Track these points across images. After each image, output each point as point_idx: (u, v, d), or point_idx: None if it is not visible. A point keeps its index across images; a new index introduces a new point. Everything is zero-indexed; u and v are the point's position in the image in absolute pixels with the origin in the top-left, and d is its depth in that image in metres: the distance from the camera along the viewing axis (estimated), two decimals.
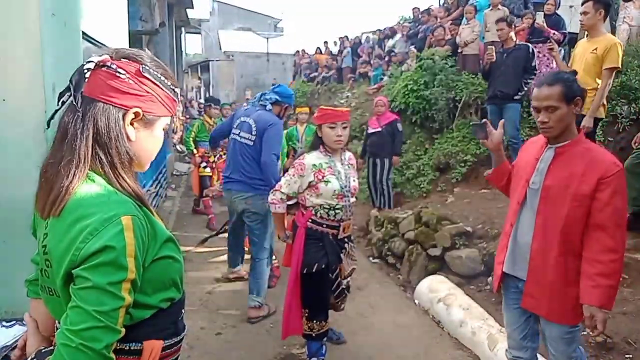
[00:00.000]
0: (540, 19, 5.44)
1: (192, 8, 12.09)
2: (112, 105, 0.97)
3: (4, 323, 1.77)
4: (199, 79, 25.16)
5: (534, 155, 1.92)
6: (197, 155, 6.23)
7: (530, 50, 4.77)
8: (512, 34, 4.92)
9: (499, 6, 6.52)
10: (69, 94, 0.98)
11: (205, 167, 6.22)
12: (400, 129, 5.78)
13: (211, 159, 6.28)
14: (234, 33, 27.72)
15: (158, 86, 1.02)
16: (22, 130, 2.03)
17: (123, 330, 0.92)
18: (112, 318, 0.89)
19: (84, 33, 2.56)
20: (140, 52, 1.04)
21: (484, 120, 2.11)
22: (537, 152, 1.91)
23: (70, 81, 0.98)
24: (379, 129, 5.66)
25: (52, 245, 0.94)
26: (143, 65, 1.00)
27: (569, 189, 1.74)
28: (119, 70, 0.97)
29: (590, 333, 1.81)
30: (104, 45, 3.37)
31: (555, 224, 1.79)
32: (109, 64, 0.97)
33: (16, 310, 2.04)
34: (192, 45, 32.18)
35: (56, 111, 1.02)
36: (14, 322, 1.78)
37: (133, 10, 6.80)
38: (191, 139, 6.22)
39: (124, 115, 0.99)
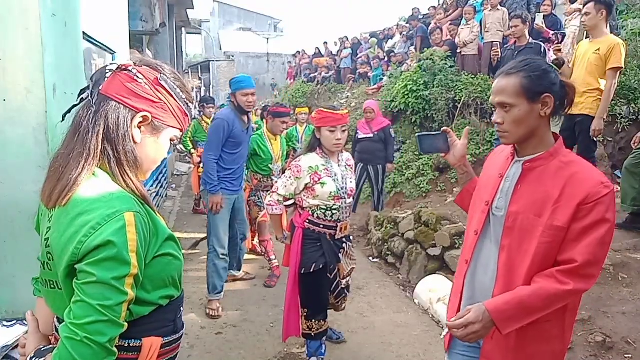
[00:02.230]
0: (539, 19, 5.44)
1: (193, 9, 12.12)
2: (124, 106, 1.01)
3: (4, 323, 1.78)
4: (200, 79, 25.20)
5: (498, 170, 1.47)
6: (195, 155, 6.24)
7: (542, 49, 4.67)
8: (527, 31, 4.81)
9: (498, 6, 6.53)
10: (88, 92, 1.03)
11: None
12: (393, 134, 5.64)
13: None
14: (234, 33, 27.78)
15: (172, 97, 1.07)
16: (22, 130, 2.04)
17: (126, 324, 0.94)
18: (116, 312, 0.91)
19: (84, 33, 2.57)
20: (162, 64, 1.09)
21: (443, 128, 1.70)
22: (502, 166, 1.46)
23: (91, 79, 1.03)
24: (370, 135, 5.43)
25: (55, 238, 0.96)
26: (162, 75, 1.05)
27: (541, 218, 1.29)
28: (138, 75, 1.03)
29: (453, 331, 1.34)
30: (105, 45, 3.38)
31: (522, 264, 1.33)
32: (130, 68, 1.02)
33: (17, 310, 2.06)
34: (193, 46, 32.29)
35: (74, 106, 1.07)
36: (15, 321, 1.79)
37: (133, 10, 6.83)
38: (188, 139, 6.23)
39: (132, 117, 1.02)
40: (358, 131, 5.64)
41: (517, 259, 1.34)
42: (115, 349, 0.93)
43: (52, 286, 1.03)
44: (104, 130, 1.00)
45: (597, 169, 1.37)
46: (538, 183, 1.34)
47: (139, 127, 1.04)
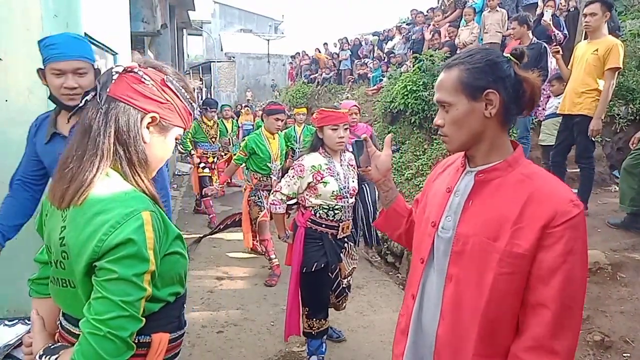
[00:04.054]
0: (547, 16, 5.35)
1: (194, 10, 12.13)
2: (133, 107, 1.03)
3: (6, 322, 1.78)
4: (201, 80, 25.21)
5: (446, 183, 1.22)
6: (195, 155, 6.27)
7: (542, 48, 4.60)
8: (530, 32, 4.71)
9: (497, 8, 6.55)
10: (93, 93, 1.04)
11: (204, 168, 6.27)
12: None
13: (210, 160, 6.34)
14: (235, 35, 27.81)
15: (178, 97, 1.09)
16: (24, 130, 2.03)
17: (144, 319, 0.97)
18: (136, 308, 0.94)
19: (86, 34, 2.58)
20: (165, 66, 1.11)
21: (363, 135, 1.37)
22: (452, 179, 1.21)
23: (98, 81, 1.04)
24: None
25: (71, 237, 0.97)
26: (167, 76, 1.07)
27: (497, 243, 1.04)
28: (145, 76, 1.04)
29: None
30: (106, 46, 3.40)
31: (476, 301, 1.06)
32: (136, 70, 1.04)
33: (19, 309, 2.07)
34: (194, 47, 32.33)
35: (79, 108, 1.08)
36: (17, 320, 1.80)
37: (135, 12, 6.85)
38: (188, 139, 6.26)
39: (142, 117, 1.04)
40: None
41: (469, 293, 1.07)
42: (133, 343, 0.96)
43: (65, 285, 1.04)
44: (115, 132, 1.01)
45: (563, 184, 1.10)
46: (493, 199, 1.08)
47: (148, 128, 1.06)
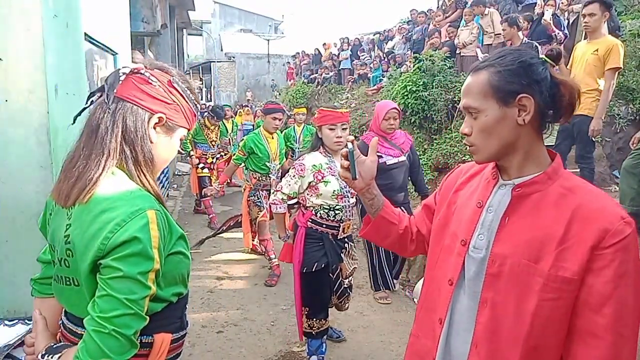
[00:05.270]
0: (548, 15, 5.34)
1: (194, 10, 12.16)
2: (140, 107, 1.05)
3: (6, 322, 1.79)
4: (201, 80, 25.21)
5: (476, 196, 1.10)
6: (194, 156, 6.29)
7: (533, 47, 4.68)
8: (520, 33, 4.76)
9: (486, 11, 6.73)
10: (99, 94, 1.06)
11: (203, 169, 6.28)
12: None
13: (209, 160, 6.36)
14: (235, 35, 27.81)
15: (184, 98, 1.11)
16: (24, 131, 2.04)
17: (148, 318, 0.97)
18: (140, 306, 0.95)
19: (86, 34, 2.58)
20: (169, 67, 1.13)
21: (349, 137, 1.24)
22: (482, 192, 1.09)
23: (105, 81, 1.06)
24: (403, 158, 3.44)
25: (76, 235, 0.98)
26: (173, 77, 1.09)
27: (539, 265, 0.94)
28: (152, 78, 1.06)
29: None
30: (106, 46, 3.40)
31: (514, 326, 0.97)
32: (143, 71, 1.06)
33: (18, 309, 2.06)
34: (194, 47, 32.28)
35: (84, 109, 1.10)
36: (17, 321, 1.80)
37: (135, 12, 6.86)
38: (188, 140, 6.27)
39: (149, 118, 1.06)
40: (381, 155, 3.35)
41: (507, 319, 0.97)
42: (137, 342, 0.96)
43: (69, 283, 1.04)
44: (122, 132, 1.03)
45: (611, 198, 1.00)
46: (533, 216, 0.98)
47: (155, 128, 1.07)
